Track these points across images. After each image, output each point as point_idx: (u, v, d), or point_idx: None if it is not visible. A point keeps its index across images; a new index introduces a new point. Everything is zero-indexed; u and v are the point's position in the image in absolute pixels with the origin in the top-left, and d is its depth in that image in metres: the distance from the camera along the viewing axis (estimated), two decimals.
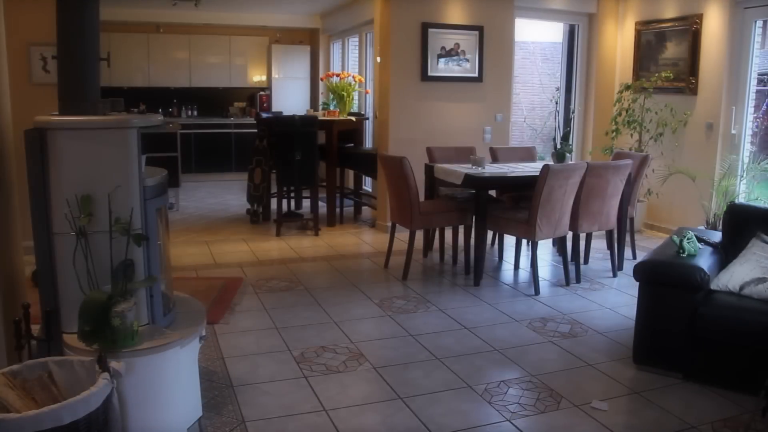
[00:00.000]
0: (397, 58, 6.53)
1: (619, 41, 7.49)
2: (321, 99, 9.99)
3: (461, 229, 5.44)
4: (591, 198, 4.95)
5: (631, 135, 6.89)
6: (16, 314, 2.52)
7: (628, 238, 5.68)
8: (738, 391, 3.16)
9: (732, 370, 3.20)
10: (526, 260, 5.60)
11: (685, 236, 3.56)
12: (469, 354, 3.68)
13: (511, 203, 5.52)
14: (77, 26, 2.51)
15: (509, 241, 6.03)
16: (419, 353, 3.68)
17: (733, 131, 6.14)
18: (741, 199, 5.95)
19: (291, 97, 10.60)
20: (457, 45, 6.70)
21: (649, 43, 7.01)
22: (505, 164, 5.71)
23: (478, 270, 5.00)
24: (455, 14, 6.68)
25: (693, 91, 6.42)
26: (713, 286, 3.38)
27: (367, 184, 8.45)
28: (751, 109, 6.09)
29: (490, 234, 5.82)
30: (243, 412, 2.95)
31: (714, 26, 6.19)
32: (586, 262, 5.66)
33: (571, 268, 5.12)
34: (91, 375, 2.17)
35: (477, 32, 6.75)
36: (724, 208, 4.49)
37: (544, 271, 5.45)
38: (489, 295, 4.75)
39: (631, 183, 5.34)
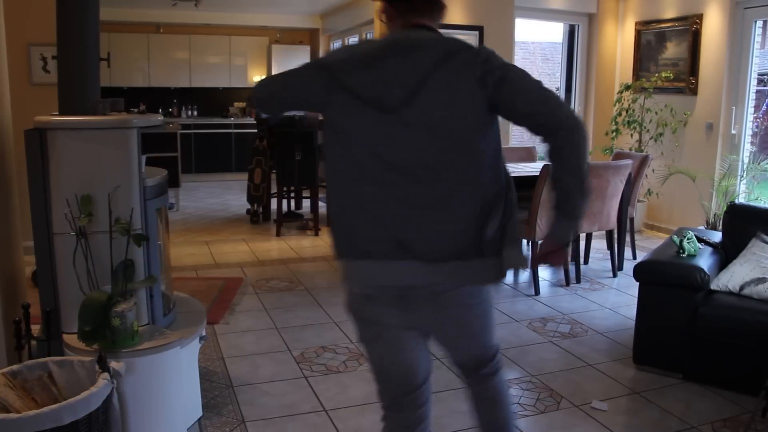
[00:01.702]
0: None
1: (619, 41, 7.49)
2: None
3: None
4: (591, 198, 4.94)
5: (631, 135, 6.89)
6: (16, 314, 2.52)
7: (628, 238, 5.68)
8: (738, 391, 3.16)
9: (732, 370, 3.20)
10: None
11: (685, 236, 3.57)
12: None
13: None
14: (77, 26, 2.51)
15: None
16: None
17: (733, 131, 6.14)
18: (741, 199, 5.95)
19: None
20: None
21: (649, 43, 7.01)
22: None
23: None
24: (455, 14, 6.67)
25: (693, 91, 6.42)
26: (713, 286, 3.38)
27: None
28: (751, 109, 6.09)
29: None
30: (243, 412, 2.95)
31: (714, 26, 6.19)
32: (586, 262, 5.66)
33: (571, 268, 5.12)
34: (91, 375, 2.17)
35: (477, 32, 6.75)
36: (724, 208, 4.49)
37: (544, 271, 5.45)
38: None
39: (631, 183, 5.34)
